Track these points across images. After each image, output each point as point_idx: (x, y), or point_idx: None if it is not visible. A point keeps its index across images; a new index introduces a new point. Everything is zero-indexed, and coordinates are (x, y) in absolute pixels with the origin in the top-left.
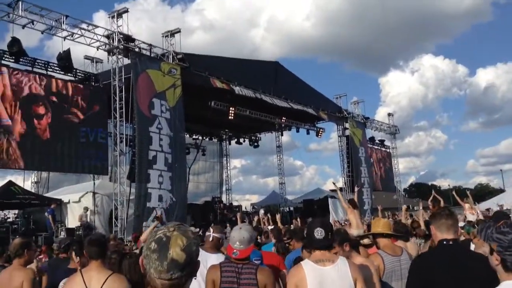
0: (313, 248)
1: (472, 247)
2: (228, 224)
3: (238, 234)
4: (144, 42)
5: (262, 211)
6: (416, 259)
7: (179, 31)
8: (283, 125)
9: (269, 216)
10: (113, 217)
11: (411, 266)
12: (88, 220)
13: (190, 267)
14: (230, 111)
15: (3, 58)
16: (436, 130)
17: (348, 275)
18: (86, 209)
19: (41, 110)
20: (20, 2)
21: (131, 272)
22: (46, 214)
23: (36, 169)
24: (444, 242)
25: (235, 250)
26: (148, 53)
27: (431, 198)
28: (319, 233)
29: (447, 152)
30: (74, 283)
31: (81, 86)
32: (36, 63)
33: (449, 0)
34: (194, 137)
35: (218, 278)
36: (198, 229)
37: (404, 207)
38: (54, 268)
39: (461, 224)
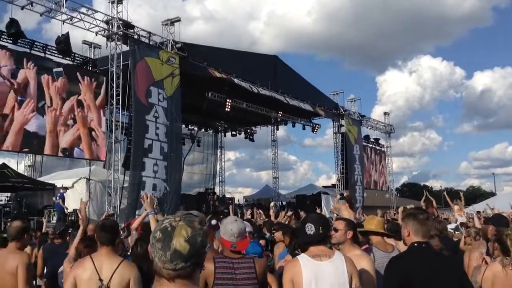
0: (305, 244)
1: (463, 246)
2: (222, 216)
3: (236, 226)
4: (143, 30)
5: (272, 204)
6: (392, 261)
7: (179, 20)
8: (279, 120)
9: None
10: (106, 204)
11: (387, 267)
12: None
13: (194, 258)
14: (227, 103)
15: (1, 39)
16: (431, 131)
17: (344, 270)
18: (65, 189)
19: None
20: None
21: (140, 260)
22: (55, 198)
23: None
24: (415, 244)
25: (233, 243)
26: (147, 41)
27: (423, 198)
28: (309, 228)
29: (440, 154)
30: (83, 268)
31: None
32: (35, 46)
33: (449, 3)
34: (189, 127)
35: (211, 275)
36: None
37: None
38: (51, 253)
39: (453, 225)
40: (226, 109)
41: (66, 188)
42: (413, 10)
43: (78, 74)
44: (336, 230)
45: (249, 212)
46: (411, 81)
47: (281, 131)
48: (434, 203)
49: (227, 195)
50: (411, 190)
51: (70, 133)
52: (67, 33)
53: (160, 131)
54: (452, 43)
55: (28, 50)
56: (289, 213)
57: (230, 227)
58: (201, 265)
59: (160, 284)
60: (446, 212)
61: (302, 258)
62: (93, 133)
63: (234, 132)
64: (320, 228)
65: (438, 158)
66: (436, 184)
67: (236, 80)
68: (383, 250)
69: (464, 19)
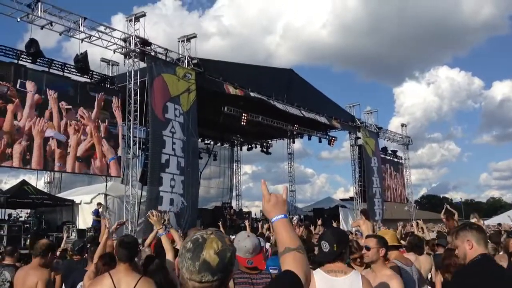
0: (320, 262)
1: None
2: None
3: (250, 242)
4: (160, 46)
5: (295, 218)
6: (458, 275)
7: (195, 36)
8: (295, 133)
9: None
10: (124, 219)
11: (454, 284)
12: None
13: (222, 273)
14: (243, 117)
15: (21, 58)
16: (450, 142)
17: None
18: (99, 204)
19: None
20: (40, 3)
21: (157, 277)
22: (91, 213)
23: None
24: (480, 257)
25: (249, 259)
26: (163, 57)
27: (443, 211)
28: (324, 246)
29: (460, 165)
30: (102, 285)
31: None
32: (53, 64)
33: (465, 12)
34: (206, 141)
35: None
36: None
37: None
38: (70, 270)
39: None
40: (242, 123)
41: (100, 204)
42: (429, 20)
43: (91, 94)
44: (368, 249)
45: (266, 226)
46: (428, 92)
47: (297, 144)
48: (456, 215)
49: (244, 209)
50: (431, 202)
51: (83, 144)
52: (85, 52)
53: (176, 146)
54: (470, 53)
55: (46, 69)
56: (319, 221)
57: (243, 244)
58: (226, 284)
59: None
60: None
61: (317, 273)
62: (103, 148)
63: (250, 146)
64: (335, 245)
65: (458, 170)
66: (456, 196)
67: (251, 94)
68: (404, 265)
69: (481, 28)
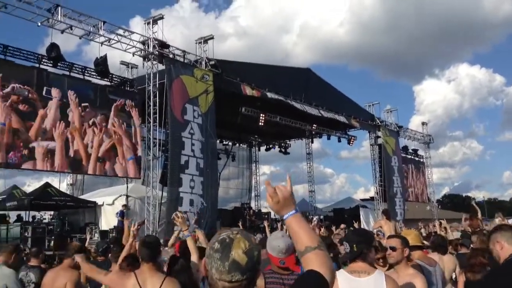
0: (342, 262)
1: None
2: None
3: (283, 242)
4: (178, 49)
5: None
6: (490, 274)
7: (212, 38)
8: (313, 132)
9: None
10: (145, 220)
11: (485, 284)
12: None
13: (251, 272)
14: (261, 118)
15: (42, 62)
16: (472, 140)
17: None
18: (124, 206)
19: None
20: (60, 8)
21: (181, 277)
22: (116, 215)
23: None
24: None
25: (281, 259)
26: (181, 59)
27: (471, 208)
28: (345, 246)
29: (482, 163)
30: (128, 286)
31: None
32: (74, 68)
33: (486, 8)
34: (224, 142)
35: None
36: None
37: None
38: None
39: None
40: (260, 123)
41: (125, 206)
42: (448, 16)
43: (110, 97)
44: (394, 249)
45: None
46: (449, 89)
47: (316, 144)
48: (479, 214)
49: (263, 210)
50: (453, 202)
51: (104, 145)
52: (105, 55)
53: (195, 147)
54: (490, 50)
55: (67, 73)
56: (342, 225)
57: (276, 243)
58: (254, 283)
59: None
60: (489, 223)
61: (340, 273)
62: (123, 148)
63: (268, 146)
64: (355, 246)
65: (480, 168)
66: (478, 195)
67: (268, 95)
68: (428, 265)
69: (501, 24)
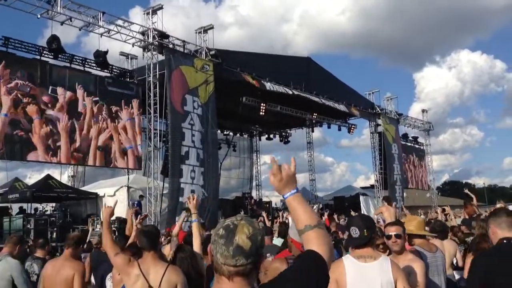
0: (351, 247)
1: None
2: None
3: None
4: (177, 39)
5: (315, 207)
6: (476, 259)
7: (212, 27)
8: (314, 121)
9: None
10: (147, 211)
11: (471, 267)
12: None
13: (254, 256)
14: (261, 107)
15: (43, 54)
16: (472, 127)
17: (389, 273)
18: (141, 197)
19: None
20: None
21: (184, 265)
22: (133, 205)
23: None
24: (505, 241)
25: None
26: (181, 49)
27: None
28: (354, 231)
29: (483, 150)
30: (132, 274)
31: None
32: (74, 60)
33: None
34: (225, 132)
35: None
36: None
37: (440, 209)
38: (99, 261)
39: None
40: (261, 113)
41: (142, 196)
42: (449, 3)
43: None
44: (399, 237)
45: (286, 215)
46: (450, 76)
47: (317, 133)
48: (474, 200)
49: (264, 199)
50: (453, 189)
51: (103, 134)
52: (107, 51)
53: (195, 138)
54: (491, 36)
55: (68, 64)
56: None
57: None
58: (258, 267)
59: (219, 282)
60: (489, 210)
61: (347, 259)
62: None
63: (269, 136)
64: (365, 230)
65: (481, 155)
66: (479, 182)
67: (267, 85)
68: (428, 251)
69: (502, 10)
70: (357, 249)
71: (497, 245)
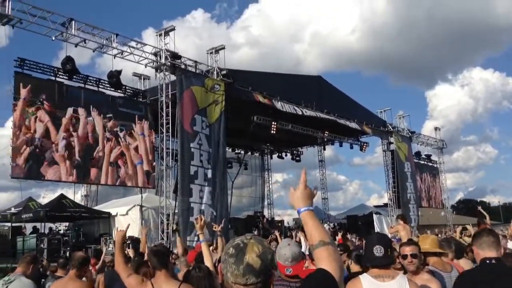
0: (373, 266)
1: None
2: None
3: (289, 250)
4: (189, 59)
5: (326, 226)
6: (458, 278)
7: (224, 48)
8: (325, 139)
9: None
10: (159, 230)
11: (454, 285)
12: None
13: (265, 275)
14: (273, 126)
15: (58, 75)
16: (486, 145)
17: None
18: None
19: None
20: (73, 22)
21: (201, 285)
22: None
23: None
24: (487, 261)
25: (288, 267)
26: (193, 70)
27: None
28: (378, 250)
29: (497, 168)
30: None
31: None
32: (88, 80)
33: (497, 12)
34: (236, 151)
35: None
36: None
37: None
38: (113, 280)
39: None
40: (272, 131)
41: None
42: (460, 21)
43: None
44: (415, 257)
45: (299, 234)
46: (462, 94)
47: (329, 151)
48: (488, 218)
49: (276, 218)
50: (467, 207)
51: (114, 151)
52: (120, 70)
53: (203, 158)
54: (503, 54)
55: (82, 85)
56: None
57: (283, 251)
58: (268, 285)
59: None
60: (504, 228)
61: (364, 277)
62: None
63: (280, 154)
64: (389, 250)
65: (495, 173)
66: (494, 200)
67: (278, 105)
68: (442, 270)
69: None
70: (377, 268)
71: (479, 265)
